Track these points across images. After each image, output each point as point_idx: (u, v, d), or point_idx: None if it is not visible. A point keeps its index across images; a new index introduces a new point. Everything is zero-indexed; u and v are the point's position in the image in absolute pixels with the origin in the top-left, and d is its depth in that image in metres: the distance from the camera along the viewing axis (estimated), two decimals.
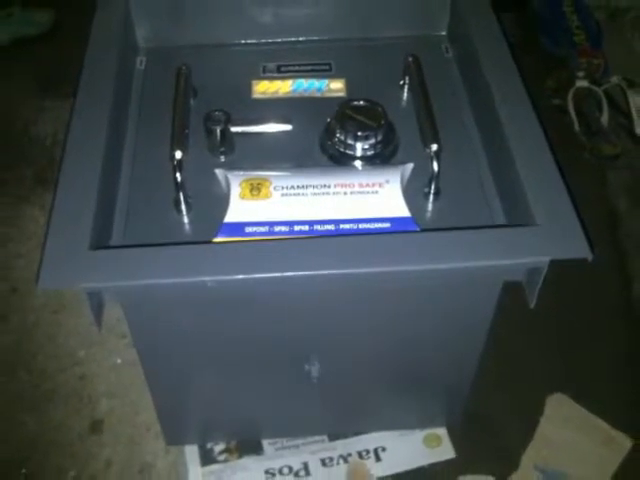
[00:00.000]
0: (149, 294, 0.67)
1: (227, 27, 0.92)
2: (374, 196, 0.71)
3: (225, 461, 0.98)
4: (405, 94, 0.86)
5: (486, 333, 0.81)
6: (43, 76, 1.53)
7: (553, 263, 0.62)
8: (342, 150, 0.77)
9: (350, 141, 0.76)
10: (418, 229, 0.69)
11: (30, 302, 1.15)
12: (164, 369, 0.83)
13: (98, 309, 0.64)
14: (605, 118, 1.43)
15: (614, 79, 1.47)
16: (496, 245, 0.65)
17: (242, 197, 0.71)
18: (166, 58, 0.89)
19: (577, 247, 0.63)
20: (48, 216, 0.65)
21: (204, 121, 0.77)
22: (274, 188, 0.71)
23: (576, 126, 1.43)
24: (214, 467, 0.97)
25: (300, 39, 0.93)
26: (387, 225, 0.69)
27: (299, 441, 0.99)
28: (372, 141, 0.76)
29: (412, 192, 0.73)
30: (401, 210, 0.70)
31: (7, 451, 0.99)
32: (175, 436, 0.98)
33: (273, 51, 0.92)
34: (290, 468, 0.97)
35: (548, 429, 1.00)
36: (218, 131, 0.77)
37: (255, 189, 0.72)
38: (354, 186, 0.72)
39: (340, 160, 0.77)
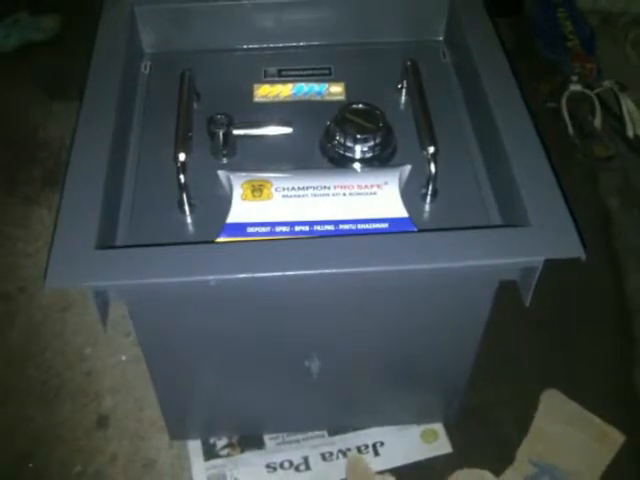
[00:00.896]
0: (153, 293, 0.67)
1: (229, 33, 0.92)
2: (372, 197, 0.71)
3: (227, 456, 0.97)
4: (403, 98, 0.86)
5: (482, 331, 0.81)
6: (50, 80, 1.53)
7: (547, 262, 0.63)
8: (341, 152, 0.77)
9: (349, 144, 0.76)
10: (415, 229, 0.69)
11: (38, 300, 1.15)
12: (168, 366, 0.83)
13: (103, 307, 0.65)
14: (598, 121, 1.43)
15: (607, 83, 1.47)
16: (491, 245, 0.65)
17: (244, 198, 0.71)
18: (170, 63, 0.89)
19: (571, 247, 0.63)
20: (55, 217, 0.65)
21: (207, 124, 0.77)
22: (275, 189, 0.71)
23: (570, 129, 1.43)
24: (217, 461, 0.97)
25: (300, 44, 0.93)
26: (385, 226, 0.69)
27: (299, 436, 0.99)
28: (371, 144, 0.76)
29: (410, 193, 0.73)
30: (399, 211, 0.70)
31: (15, 445, 0.99)
32: (179, 431, 0.98)
33: (274, 56, 0.92)
34: (291, 462, 0.97)
35: (542, 424, 1.00)
36: (221, 134, 0.77)
37: (257, 190, 0.71)
38: (353, 187, 0.72)
39: (339, 162, 0.77)
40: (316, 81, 0.88)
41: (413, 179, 0.75)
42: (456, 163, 0.78)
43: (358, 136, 0.76)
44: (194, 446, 0.98)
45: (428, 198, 0.74)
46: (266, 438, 0.99)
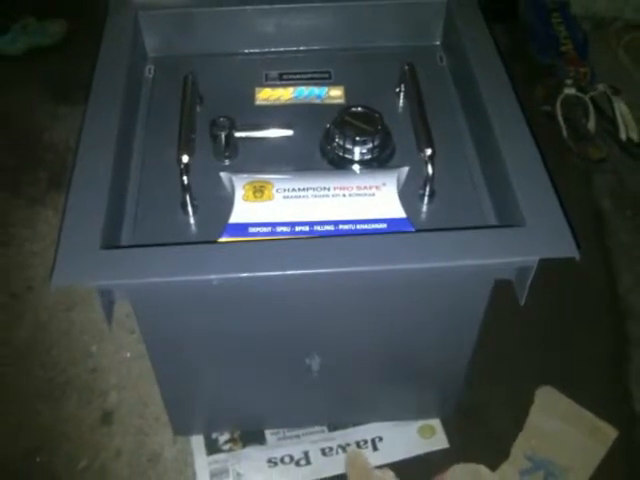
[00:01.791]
0: (157, 291, 0.67)
1: (231, 37, 0.92)
2: (371, 198, 0.71)
3: (229, 450, 0.97)
4: (401, 101, 0.86)
5: (478, 328, 0.81)
6: (56, 84, 1.53)
7: (542, 262, 0.63)
8: (341, 154, 0.77)
9: (349, 146, 0.76)
10: (413, 230, 0.69)
11: (44, 299, 1.15)
12: (171, 363, 0.83)
13: (109, 306, 0.65)
14: (592, 124, 1.43)
15: (600, 87, 1.47)
16: (487, 245, 0.65)
17: (246, 199, 0.71)
18: (173, 67, 0.89)
19: (565, 247, 0.63)
20: (61, 217, 0.65)
21: (210, 127, 0.77)
22: (276, 190, 0.71)
23: (564, 131, 1.43)
24: (219, 456, 0.97)
25: (301, 48, 0.93)
26: (384, 226, 0.69)
27: (300, 431, 0.99)
28: (369, 146, 0.76)
29: (407, 194, 0.73)
30: (397, 211, 0.70)
31: (22, 440, 0.99)
32: (182, 427, 0.98)
33: (275, 60, 0.92)
34: (291, 457, 0.97)
35: (537, 420, 1.00)
36: (223, 136, 0.77)
37: (258, 191, 0.71)
38: (352, 189, 0.72)
39: (339, 164, 0.77)
40: (316, 85, 0.88)
41: (411, 180, 0.75)
42: (453, 165, 0.78)
43: (357, 138, 0.76)
44: (197, 441, 0.98)
45: (425, 199, 0.74)
46: (267, 433, 0.99)
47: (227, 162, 0.78)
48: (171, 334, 0.77)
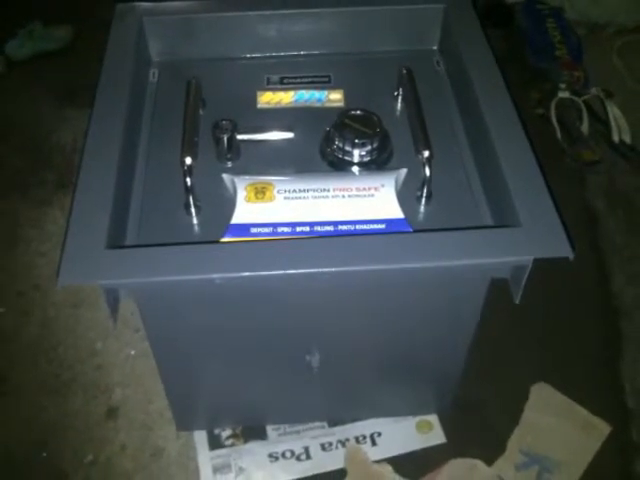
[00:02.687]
0: (161, 290, 0.67)
1: (234, 42, 0.92)
2: (370, 199, 0.71)
3: (232, 445, 0.97)
4: (399, 104, 0.86)
5: (475, 326, 0.81)
6: (63, 88, 1.53)
7: (537, 261, 0.63)
8: (340, 156, 0.77)
9: (348, 148, 0.76)
10: (411, 230, 0.69)
11: (51, 298, 1.15)
12: (175, 360, 0.83)
13: (114, 304, 0.64)
14: (585, 127, 1.43)
15: (593, 90, 1.47)
16: (483, 245, 0.65)
17: (248, 200, 0.71)
18: (177, 71, 0.89)
19: (559, 247, 0.63)
20: (67, 217, 0.65)
21: (212, 129, 0.77)
22: (277, 192, 0.71)
23: (558, 134, 1.43)
24: (221, 451, 0.97)
25: (301, 53, 0.93)
26: (382, 226, 0.69)
27: (300, 427, 0.99)
28: (368, 148, 0.76)
29: (405, 195, 0.73)
30: (395, 212, 0.70)
31: (30, 434, 0.99)
32: (185, 422, 0.98)
33: (276, 64, 0.92)
34: (292, 452, 0.97)
35: (532, 416, 1.00)
36: (225, 139, 0.77)
37: (260, 192, 0.71)
38: (352, 190, 0.72)
39: (339, 166, 0.77)
40: (316, 88, 0.88)
41: (409, 182, 0.74)
42: (450, 166, 0.78)
43: (356, 141, 0.76)
44: (200, 436, 0.98)
45: (423, 200, 0.74)
46: (269, 429, 0.99)
47: (229, 164, 0.78)
48: (175, 332, 0.77)
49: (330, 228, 0.69)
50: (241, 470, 0.95)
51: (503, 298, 0.68)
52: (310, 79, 0.89)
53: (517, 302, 0.66)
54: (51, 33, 1.65)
